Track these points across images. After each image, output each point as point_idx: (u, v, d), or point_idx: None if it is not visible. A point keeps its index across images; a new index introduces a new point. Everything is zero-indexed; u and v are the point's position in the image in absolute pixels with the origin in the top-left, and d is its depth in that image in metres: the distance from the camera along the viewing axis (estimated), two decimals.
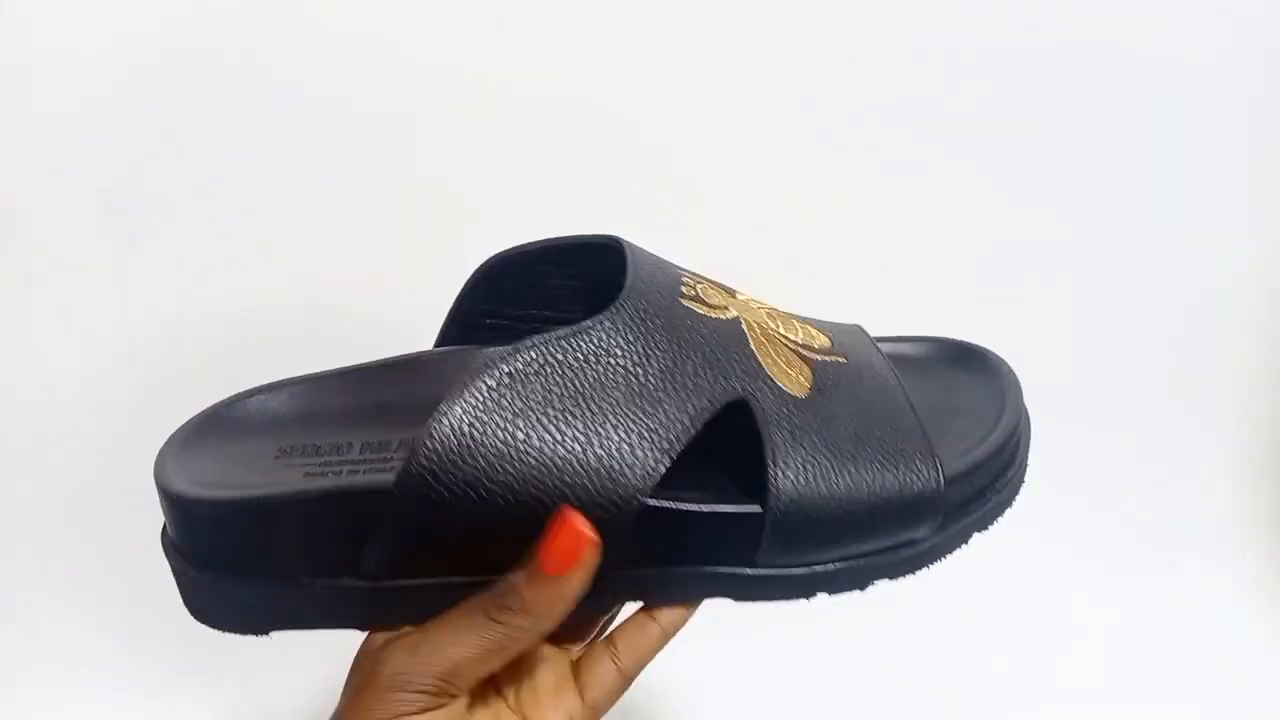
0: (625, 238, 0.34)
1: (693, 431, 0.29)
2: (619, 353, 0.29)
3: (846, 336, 0.36)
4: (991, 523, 0.34)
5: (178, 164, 0.60)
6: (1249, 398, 0.78)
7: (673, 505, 0.30)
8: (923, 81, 0.69)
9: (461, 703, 0.29)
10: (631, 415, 0.29)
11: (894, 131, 0.69)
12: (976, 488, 0.33)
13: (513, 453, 0.28)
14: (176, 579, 0.32)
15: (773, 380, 0.31)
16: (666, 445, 0.29)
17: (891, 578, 0.32)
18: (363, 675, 0.29)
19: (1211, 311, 0.76)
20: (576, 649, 0.34)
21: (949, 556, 0.33)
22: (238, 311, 0.61)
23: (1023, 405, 0.35)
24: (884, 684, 0.64)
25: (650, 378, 0.29)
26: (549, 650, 0.33)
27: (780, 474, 0.30)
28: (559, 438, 0.28)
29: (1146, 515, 0.76)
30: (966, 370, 0.38)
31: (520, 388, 0.28)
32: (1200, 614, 0.71)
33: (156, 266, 0.61)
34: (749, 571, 0.31)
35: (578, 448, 0.28)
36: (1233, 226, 0.75)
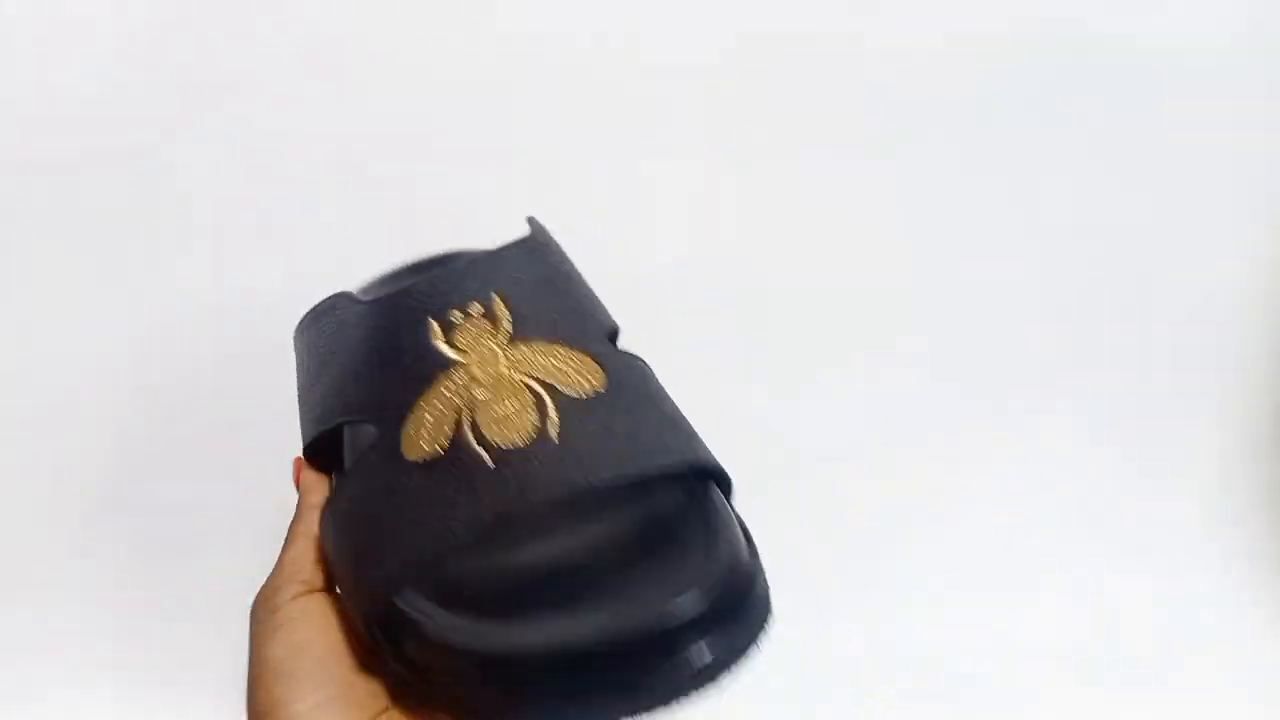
0: (466, 248, 0.38)
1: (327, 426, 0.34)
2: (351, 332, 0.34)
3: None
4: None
5: (174, 163, 0.60)
6: (1246, 396, 0.78)
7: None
8: (911, 71, 0.69)
9: (322, 596, 0.33)
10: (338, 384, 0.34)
11: (883, 124, 0.69)
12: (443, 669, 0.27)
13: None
14: None
15: (401, 430, 0.31)
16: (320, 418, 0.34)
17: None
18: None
19: (1211, 308, 0.76)
20: None
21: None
22: (237, 311, 0.61)
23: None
24: (875, 683, 0.64)
25: (356, 359, 0.34)
26: None
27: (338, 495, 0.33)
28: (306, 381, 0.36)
29: (1140, 513, 0.76)
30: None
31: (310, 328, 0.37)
32: (1195, 614, 0.72)
33: (156, 265, 0.61)
34: None
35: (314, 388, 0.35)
36: (1228, 224, 0.75)
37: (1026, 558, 0.74)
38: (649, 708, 0.26)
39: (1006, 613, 0.71)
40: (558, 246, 0.37)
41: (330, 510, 0.33)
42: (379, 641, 0.29)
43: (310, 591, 0.32)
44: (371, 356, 0.32)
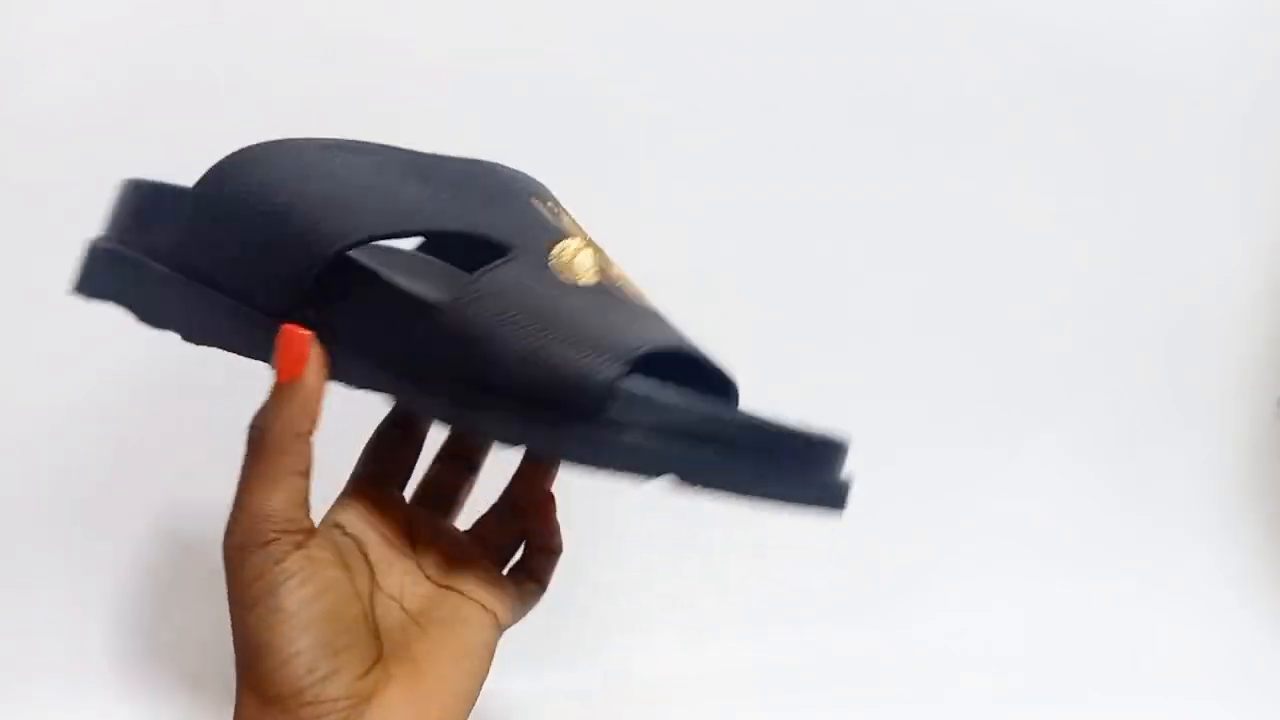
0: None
1: (434, 228, 0.35)
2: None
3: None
4: (650, 472, 0.32)
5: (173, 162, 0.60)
6: (1239, 397, 0.78)
7: (368, 264, 0.34)
8: (906, 75, 0.69)
9: (326, 537, 0.33)
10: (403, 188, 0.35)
11: (879, 126, 0.69)
12: (661, 424, 0.32)
13: (295, 173, 0.35)
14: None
15: (548, 259, 0.35)
16: (399, 220, 0.34)
17: (548, 449, 0.34)
18: (225, 566, 0.32)
19: (1203, 310, 0.76)
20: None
21: (614, 471, 0.32)
22: None
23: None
24: (870, 687, 0.64)
25: (436, 184, 0.36)
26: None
27: (486, 274, 0.33)
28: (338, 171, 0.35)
29: (1134, 515, 0.76)
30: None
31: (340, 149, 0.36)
32: (1187, 615, 0.72)
33: None
34: (418, 359, 0.33)
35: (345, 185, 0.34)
36: (1221, 225, 0.76)
37: (1015, 566, 0.74)
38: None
39: (997, 620, 0.72)
40: None
41: (479, 308, 0.32)
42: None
43: (309, 537, 0.32)
44: (470, 189, 0.36)
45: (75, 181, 0.59)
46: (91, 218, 0.60)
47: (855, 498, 0.73)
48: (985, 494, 0.73)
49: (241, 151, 0.36)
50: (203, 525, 0.58)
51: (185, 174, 0.60)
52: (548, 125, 0.64)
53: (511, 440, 0.33)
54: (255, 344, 0.34)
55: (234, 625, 0.31)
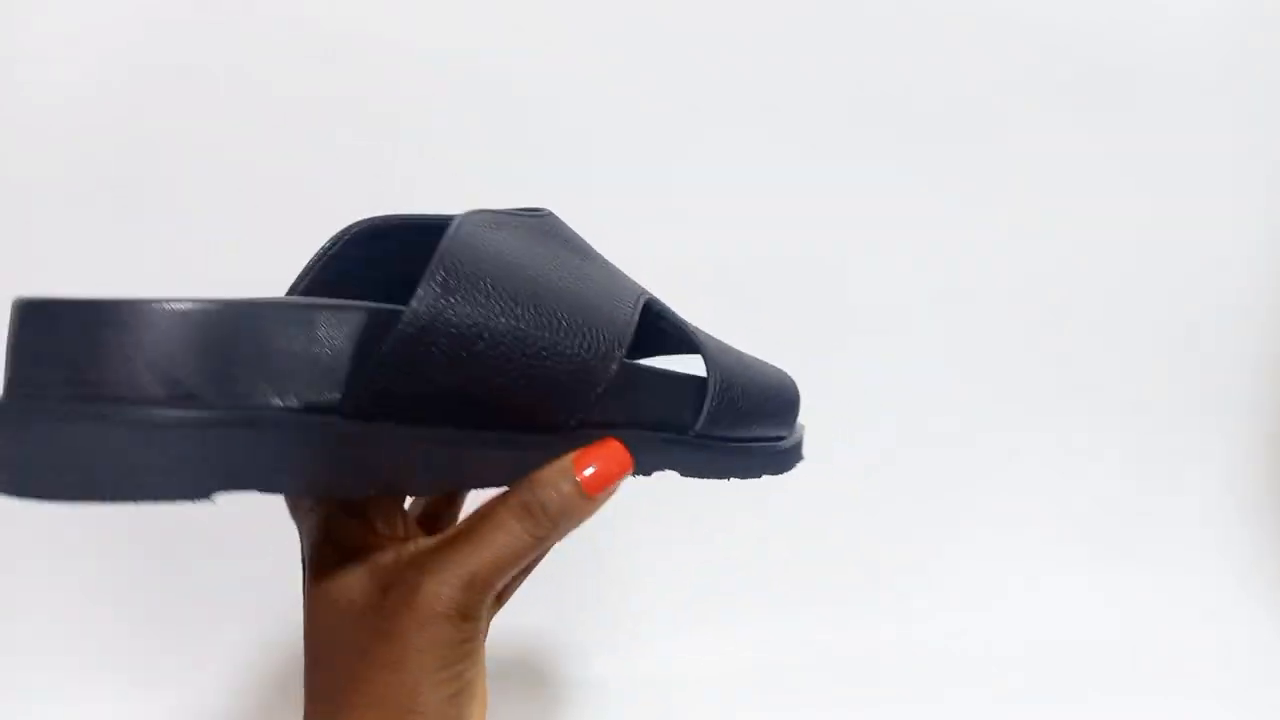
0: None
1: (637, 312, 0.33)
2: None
3: None
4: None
5: (171, 161, 0.60)
6: (1241, 397, 0.78)
7: (641, 364, 0.34)
8: (906, 75, 0.69)
9: (485, 622, 0.31)
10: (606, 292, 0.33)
11: (879, 126, 0.69)
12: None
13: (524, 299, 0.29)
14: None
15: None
16: (629, 318, 0.32)
17: (773, 472, 0.39)
18: (390, 606, 0.28)
19: (1205, 309, 0.76)
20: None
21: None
22: None
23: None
24: (870, 687, 0.64)
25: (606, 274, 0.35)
26: None
27: (709, 347, 0.36)
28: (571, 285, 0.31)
29: (1141, 509, 0.76)
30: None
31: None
32: (1187, 615, 0.71)
33: (156, 261, 0.61)
34: (688, 438, 0.36)
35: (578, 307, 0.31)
36: (1222, 225, 0.75)
37: (1027, 563, 0.74)
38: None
39: (997, 620, 0.72)
40: None
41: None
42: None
43: (477, 626, 0.30)
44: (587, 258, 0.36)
45: (75, 181, 0.59)
46: (90, 217, 0.61)
47: (856, 497, 0.73)
48: (985, 494, 0.73)
49: (456, 258, 0.28)
50: (203, 526, 0.58)
51: (185, 174, 0.61)
52: (548, 125, 0.64)
53: (757, 472, 0.38)
54: (506, 470, 0.30)
55: (388, 679, 0.28)
